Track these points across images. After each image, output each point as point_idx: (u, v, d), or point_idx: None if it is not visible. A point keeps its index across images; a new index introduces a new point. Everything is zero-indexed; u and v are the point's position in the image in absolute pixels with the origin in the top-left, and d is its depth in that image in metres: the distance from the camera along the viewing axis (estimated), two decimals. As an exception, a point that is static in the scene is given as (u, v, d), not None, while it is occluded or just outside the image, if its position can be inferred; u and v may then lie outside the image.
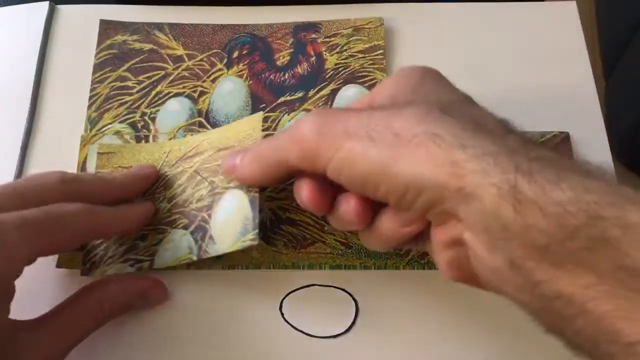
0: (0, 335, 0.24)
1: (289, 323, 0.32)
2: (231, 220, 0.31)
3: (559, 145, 0.36)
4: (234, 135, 0.33)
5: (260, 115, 0.33)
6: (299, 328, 0.32)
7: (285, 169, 0.27)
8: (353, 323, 0.32)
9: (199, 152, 0.33)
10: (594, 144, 0.37)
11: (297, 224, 0.34)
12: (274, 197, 0.35)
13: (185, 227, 0.32)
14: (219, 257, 0.33)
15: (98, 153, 0.35)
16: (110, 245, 0.32)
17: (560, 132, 0.37)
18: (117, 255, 0.32)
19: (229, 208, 0.31)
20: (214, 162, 0.32)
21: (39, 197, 0.27)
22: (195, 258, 0.31)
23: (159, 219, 0.32)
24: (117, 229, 0.31)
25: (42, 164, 0.36)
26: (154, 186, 0.33)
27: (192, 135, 0.36)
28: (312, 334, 0.32)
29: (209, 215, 0.31)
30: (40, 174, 0.29)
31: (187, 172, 0.33)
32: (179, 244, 0.32)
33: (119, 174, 0.33)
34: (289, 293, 0.33)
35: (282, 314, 0.32)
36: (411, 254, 0.33)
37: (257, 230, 0.29)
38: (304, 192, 0.27)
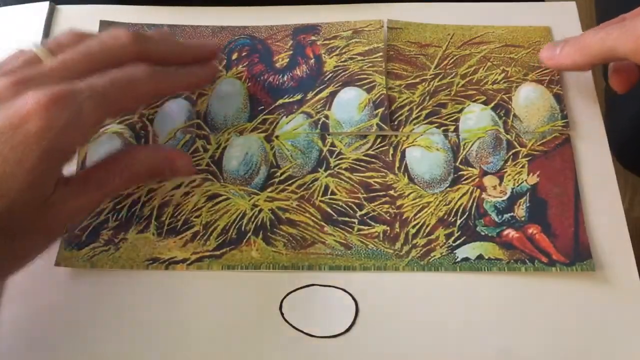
0: (47, 192, 0.26)
1: (289, 323, 0.32)
2: (534, 106, 0.37)
3: (559, 146, 0.36)
4: (523, 37, 0.40)
5: (549, 29, 0.40)
6: (299, 328, 0.32)
7: (609, 58, 0.33)
8: (353, 323, 0.32)
9: (485, 41, 0.39)
10: (594, 144, 0.37)
11: (297, 224, 0.34)
12: (274, 197, 0.35)
13: (485, 103, 0.37)
14: (218, 257, 0.33)
15: (388, 28, 0.40)
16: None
17: (561, 133, 0.37)
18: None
19: (530, 97, 0.38)
20: (504, 54, 0.39)
21: (111, 59, 0.29)
22: (501, 129, 0.37)
23: (455, 92, 0.38)
24: (187, 86, 0.34)
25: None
26: (443, 63, 0.39)
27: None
28: (312, 334, 0.32)
29: (509, 98, 0.37)
30: (110, 34, 0.30)
31: (475, 56, 0.39)
32: (481, 115, 0.37)
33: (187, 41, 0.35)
34: (289, 293, 0.33)
35: (282, 314, 0.32)
36: (411, 255, 0.33)
37: (567, 120, 0.37)
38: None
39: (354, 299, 0.32)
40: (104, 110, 0.27)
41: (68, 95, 0.25)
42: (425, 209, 0.35)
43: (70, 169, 0.36)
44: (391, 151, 0.36)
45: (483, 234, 0.34)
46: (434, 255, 0.33)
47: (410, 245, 0.34)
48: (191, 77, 0.33)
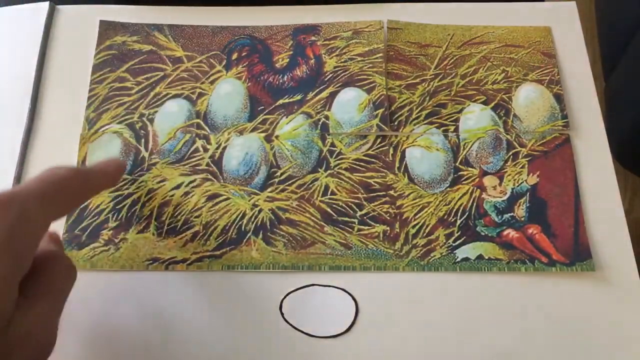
0: (8, 309, 0.23)
1: (289, 323, 0.32)
2: (534, 106, 0.37)
3: (559, 146, 0.36)
4: (523, 37, 0.40)
5: (549, 29, 0.40)
6: (299, 328, 0.32)
7: None
8: (353, 323, 0.32)
9: (485, 41, 0.40)
10: (594, 144, 0.37)
11: (297, 224, 0.34)
12: (274, 197, 0.35)
13: (485, 103, 0.37)
14: (218, 257, 0.33)
15: (388, 28, 0.40)
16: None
17: (561, 133, 0.37)
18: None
19: (530, 97, 0.38)
20: (504, 54, 0.39)
21: None
22: (501, 129, 0.37)
23: (455, 92, 0.38)
24: (105, 186, 0.31)
25: (42, 164, 0.36)
26: (443, 63, 0.39)
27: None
28: (312, 334, 0.32)
29: (509, 98, 0.37)
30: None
31: (475, 56, 0.39)
32: (481, 115, 0.37)
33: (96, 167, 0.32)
34: (289, 293, 0.33)
35: (282, 314, 0.32)
36: (411, 255, 0.33)
37: (567, 120, 0.37)
38: None
39: (354, 299, 0.32)
40: (51, 210, 0.26)
41: (7, 198, 0.24)
42: (425, 209, 0.35)
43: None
44: (391, 151, 0.36)
45: (483, 234, 0.34)
46: (434, 255, 0.33)
47: (410, 245, 0.34)
48: (107, 176, 0.31)
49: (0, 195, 0.24)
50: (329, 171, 0.36)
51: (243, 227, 0.34)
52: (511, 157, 0.36)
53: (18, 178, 0.36)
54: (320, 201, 0.35)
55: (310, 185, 0.35)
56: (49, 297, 0.26)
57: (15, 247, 0.23)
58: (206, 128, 0.37)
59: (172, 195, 0.35)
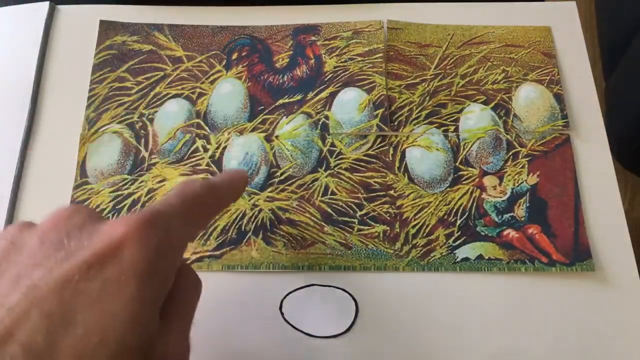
0: (152, 330, 0.22)
1: (289, 323, 0.32)
2: (534, 106, 0.37)
3: (559, 146, 0.36)
4: (523, 37, 0.40)
5: (549, 29, 0.40)
6: (299, 328, 0.32)
7: None
8: (353, 323, 0.32)
9: (485, 41, 0.40)
10: (594, 144, 0.37)
11: (297, 224, 0.34)
12: (274, 197, 0.35)
13: (485, 103, 0.37)
14: (218, 257, 0.33)
15: (388, 28, 0.40)
16: None
17: (561, 133, 0.37)
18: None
19: (530, 97, 0.38)
20: (504, 54, 0.39)
21: None
22: (501, 129, 0.37)
23: (455, 92, 0.38)
24: (233, 201, 0.31)
25: (42, 164, 0.36)
26: (443, 63, 0.39)
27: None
28: (312, 334, 0.32)
29: (509, 98, 0.37)
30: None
31: (475, 56, 0.39)
32: (481, 115, 0.37)
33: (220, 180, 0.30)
34: (289, 293, 0.33)
35: (282, 314, 0.32)
36: (411, 255, 0.33)
37: (567, 120, 0.37)
38: None
39: (354, 299, 0.32)
40: (190, 228, 0.25)
41: (154, 216, 0.23)
42: (425, 209, 0.35)
43: (69, 172, 0.36)
44: (391, 151, 0.36)
45: (483, 234, 0.34)
46: (434, 256, 0.33)
47: (410, 245, 0.34)
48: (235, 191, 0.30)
49: (146, 214, 0.22)
50: (329, 171, 0.36)
51: (243, 227, 0.34)
52: (511, 157, 0.36)
53: (18, 178, 0.36)
54: (320, 201, 0.35)
55: (310, 185, 0.35)
56: (185, 316, 0.24)
57: (162, 269, 0.22)
58: (206, 128, 0.37)
59: (172, 195, 0.35)
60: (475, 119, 0.37)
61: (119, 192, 0.35)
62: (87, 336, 0.19)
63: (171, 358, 0.22)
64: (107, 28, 0.40)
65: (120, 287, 0.20)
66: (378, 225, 0.34)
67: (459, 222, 0.34)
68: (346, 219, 0.34)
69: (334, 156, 0.36)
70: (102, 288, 0.20)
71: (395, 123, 0.37)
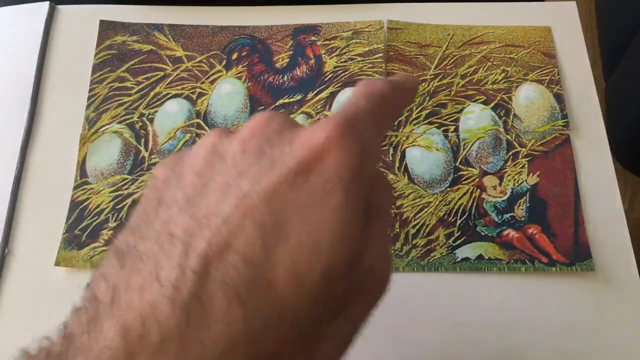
0: (362, 244, 0.20)
1: (288, 324, 0.32)
2: (534, 106, 0.37)
3: (559, 146, 0.36)
4: (523, 37, 0.40)
5: (549, 29, 0.40)
6: (299, 329, 0.32)
7: None
8: (353, 323, 0.32)
9: (485, 41, 0.40)
10: (594, 144, 0.37)
11: (297, 224, 0.34)
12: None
13: (485, 103, 0.37)
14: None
15: (388, 28, 0.40)
16: None
17: (561, 133, 0.37)
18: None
19: (530, 97, 0.38)
20: (504, 54, 0.39)
21: None
22: (502, 129, 0.37)
23: (455, 92, 0.38)
24: (409, 103, 0.31)
25: (42, 164, 0.36)
26: (443, 63, 0.39)
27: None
28: (311, 334, 0.32)
29: (509, 98, 0.37)
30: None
31: (475, 56, 0.39)
32: (481, 115, 0.37)
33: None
34: (289, 294, 0.33)
35: (282, 315, 0.32)
36: (411, 255, 0.33)
37: (567, 120, 0.37)
38: None
39: (354, 299, 0.32)
40: (380, 129, 0.23)
41: (352, 121, 0.21)
42: (425, 209, 0.35)
43: (68, 173, 0.36)
44: (391, 151, 0.36)
45: (483, 234, 0.34)
46: (434, 255, 0.33)
47: (410, 245, 0.34)
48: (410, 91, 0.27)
49: (343, 118, 0.21)
50: (329, 171, 0.36)
51: (243, 227, 0.34)
52: (511, 157, 0.36)
53: (18, 178, 0.36)
54: (320, 201, 0.35)
55: (310, 185, 0.35)
56: (383, 222, 0.23)
57: (364, 174, 0.20)
58: (206, 128, 0.37)
59: (172, 195, 0.35)
60: (475, 119, 0.37)
61: (119, 192, 0.35)
62: (299, 248, 0.18)
63: (373, 273, 0.21)
64: (107, 28, 0.40)
65: (326, 195, 0.19)
66: (378, 225, 0.34)
67: (459, 222, 0.34)
68: (346, 219, 0.34)
69: (334, 156, 0.36)
70: (309, 197, 0.19)
71: (395, 123, 0.37)
